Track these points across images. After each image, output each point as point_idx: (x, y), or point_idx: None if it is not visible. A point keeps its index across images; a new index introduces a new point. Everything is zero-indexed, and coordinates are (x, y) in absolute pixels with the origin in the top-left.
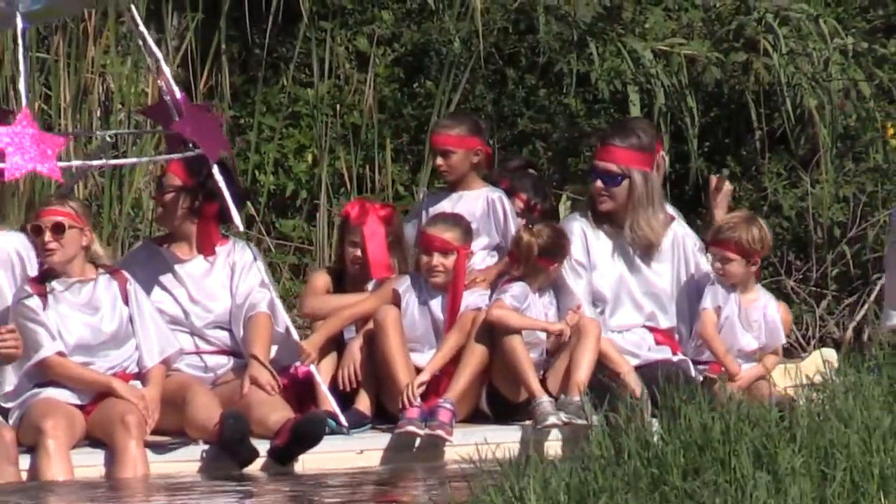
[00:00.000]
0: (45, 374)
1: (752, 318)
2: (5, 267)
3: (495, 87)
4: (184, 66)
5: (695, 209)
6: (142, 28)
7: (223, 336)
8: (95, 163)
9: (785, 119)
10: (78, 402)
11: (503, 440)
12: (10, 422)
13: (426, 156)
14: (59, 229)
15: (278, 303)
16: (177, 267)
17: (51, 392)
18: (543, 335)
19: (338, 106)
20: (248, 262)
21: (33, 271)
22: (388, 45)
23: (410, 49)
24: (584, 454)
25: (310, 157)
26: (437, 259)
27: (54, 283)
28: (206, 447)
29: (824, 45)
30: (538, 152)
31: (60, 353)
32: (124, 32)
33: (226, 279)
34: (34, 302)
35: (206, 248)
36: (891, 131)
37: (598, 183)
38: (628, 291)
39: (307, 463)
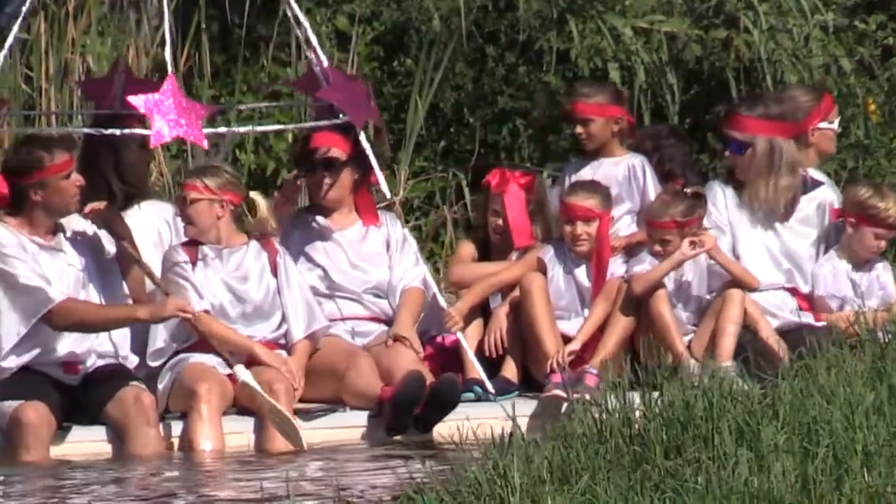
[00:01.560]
0: (190, 333)
1: (864, 284)
2: (154, 241)
3: (475, 65)
4: (163, 46)
5: None
6: None
7: (378, 303)
8: (242, 129)
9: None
10: (226, 372)
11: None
12: (161, 385)
13: (407, 133)
14: (189, 203)
15: (428, 274)
16: (335, 234)
17: (197, 357)
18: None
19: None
20: (401, 237)
21: (182, 238)
22: (368, 24)
23: (390, 27)
24: (566, 432)
25: (290, 136)
26: (580, 228)
27: (205, 249)
28: (353, 413)
29: (804, 21)
30: (518, 130)
31: (206, 312)
32: (104, 13)
33: (381, 248)
34: (185, 263)
35: (371, 217)
36: (872, 107)
37: (727, 151)
38: (769, 254)
39: (452, 431)
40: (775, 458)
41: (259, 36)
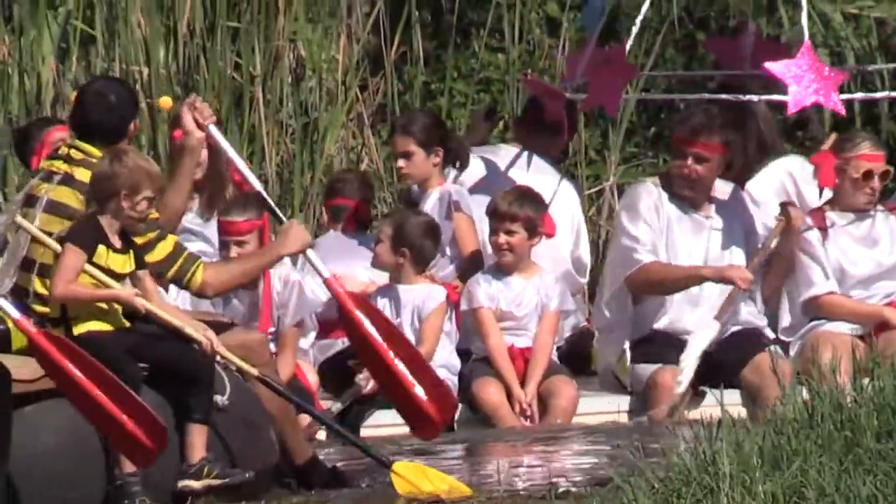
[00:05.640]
0: (817, 311)
1: None
2: (779, 194)
3: (686, 51)
4: (375, 32)
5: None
6: None
7: None
8: (879, 95)
9: None
10: (858, 334)
11: None
12: (791, 354)
13: (619, 120)
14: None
15: None
16: None
17: (829, 326)
18: None
19: (529, 71)
20: None
21: (805, 198)
22: (579, 10)
23: None
24: (777, 417)
25: (500, 123)
26: None
27: (832, 216)
28: None
29: None
30: None
31: (831, 293)
32: None
33: None
34: (813, 235)
35: None
36: None
37: None
38: None
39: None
40: None
41: (470, 21)
